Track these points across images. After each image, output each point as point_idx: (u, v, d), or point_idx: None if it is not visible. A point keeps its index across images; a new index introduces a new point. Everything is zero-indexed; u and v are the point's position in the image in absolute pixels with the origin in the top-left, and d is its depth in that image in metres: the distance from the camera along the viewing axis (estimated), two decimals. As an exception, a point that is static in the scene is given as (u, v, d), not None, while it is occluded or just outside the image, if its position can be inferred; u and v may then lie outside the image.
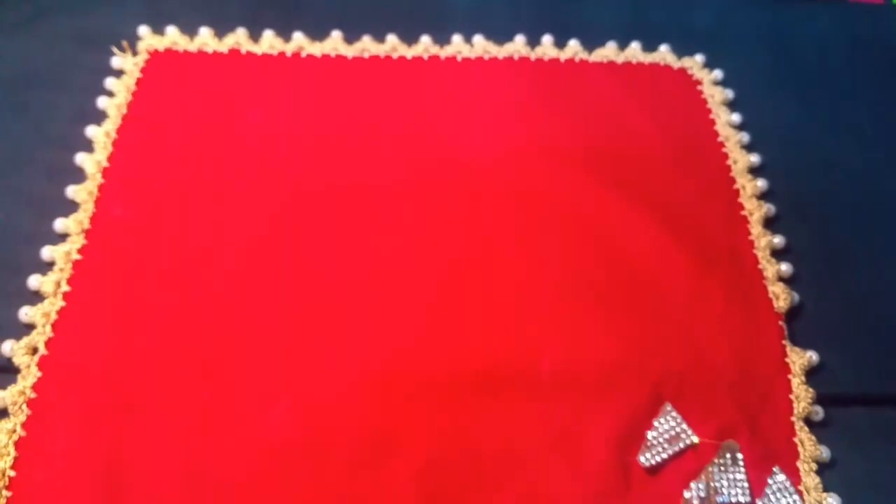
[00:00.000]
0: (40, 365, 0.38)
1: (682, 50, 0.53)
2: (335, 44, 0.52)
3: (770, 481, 0.37)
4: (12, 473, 0.35)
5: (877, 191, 0.48)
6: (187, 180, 0.45)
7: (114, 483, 0.35)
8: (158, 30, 0.51)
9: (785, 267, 0.43)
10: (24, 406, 0.37)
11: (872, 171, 0.49)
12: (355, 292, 0.41)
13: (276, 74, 0.50)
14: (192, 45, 0.51)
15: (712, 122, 0.50)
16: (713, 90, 0.51)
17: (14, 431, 0.36)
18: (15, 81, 0.48)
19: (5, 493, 0.35)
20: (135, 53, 0.50)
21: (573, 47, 0.53)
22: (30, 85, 0.48)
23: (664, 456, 0.37)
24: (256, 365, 0.38)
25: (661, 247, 0.43)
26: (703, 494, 0.36)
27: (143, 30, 0.51)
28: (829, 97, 0.53)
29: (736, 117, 0.50)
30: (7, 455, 0.35)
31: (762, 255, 0.44)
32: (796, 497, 0.36)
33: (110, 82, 0.49)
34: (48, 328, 0.39)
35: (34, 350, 0.38)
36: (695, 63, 0.53)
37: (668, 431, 0.37)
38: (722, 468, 0.36)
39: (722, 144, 0.49)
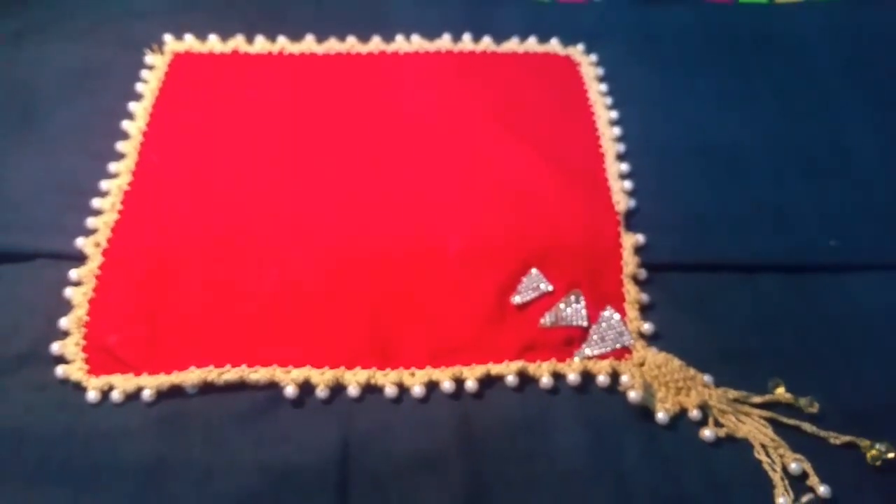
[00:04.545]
0: (103, 254, 0.54)
1: (568, 42, 0.70)
2: (309, 44, 0.68)
3: (603, 313, 0.53)
4: (86, 318, 0.51)
5: (708, 137, 0.63)
6: (203, 138, 0.62)
7: (155, 326, 0.51)
8: (179, 37, 0.68)
9: (627, 184, 0.60)
10: (93, 279, 0.53)
11: (707, 122, 0.64)
12: (324, 202, 0.58)
13: (267, 67, 0.67)
14: (203, 48, 0.68)
15: (585, 91, 0.66)
16: (588, 69, 0.68)
17: (86, 294, 0.52)
18: (77, 72, 0.64)
19: (83, 329, 0.51)
20: (162, 53, 0.67)
21: (486, 42, 0.69)
22: (87, 75, 0.64)
23: (528, 298, 0.53)
24: (255, 247, 0.55)
25: (538, 170, 0.60)
26: (552, 320, 0.52)
27: (168, 37, 0.68)
28: (682, 73, 0.68)
29: (604, 87, 0.66)
30: (83, 307, 0.52)
31: (611, 176, 0.60)
32: (621, 323, 0.53)
33: (145, 73, 0.65)
34: (107, 231, 0.55)
35: (97, 244, 0.54)
36: (576, 51, 0.70)
37: (532, 283, 0.54)
38: (567, 305, 0.53)
39: (591, 106, 0.65)
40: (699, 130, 0.65)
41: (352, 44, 0.69)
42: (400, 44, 0.70)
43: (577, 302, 0.53)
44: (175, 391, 0.49)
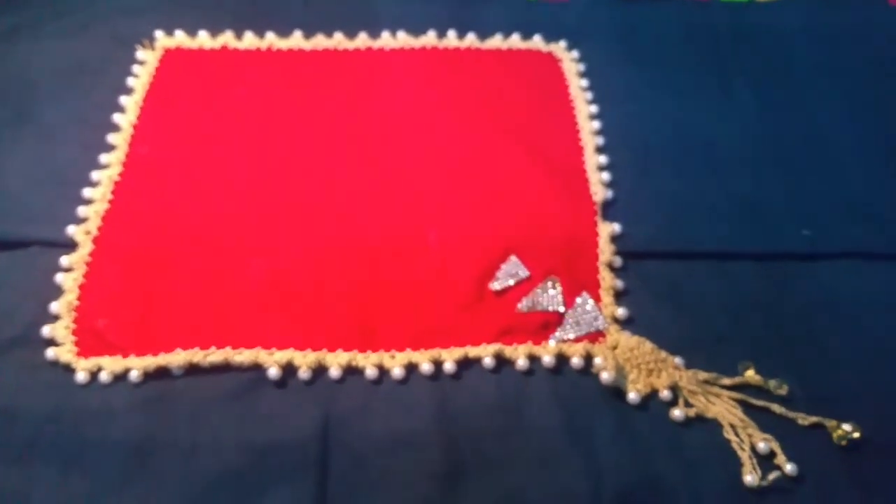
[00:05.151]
0: (93, 241, 0.56)
1: (550, 39, 0.72)
2: (297, 40, 0.70)
3: (578, 299, 0.55)
4: (77, 303, 0.53)
5: (685, 131, 0.65)
6: (191, 131, 0.63)
7: (143, 310, 0.53)
8: (170, 33, 0.70)
9: (605, 175, 0.61)
10: (83, 265, 0.55)
11: (685, 116, 0.66)
12: (309, 192, 0.59)
13: (255, 63, 0.69)
14: (193, 44, 0.69)
15: (567, 87, 0.68)
16: (570, 65, 0.70)
17: (77, 280, 0.54)
18: (70, 67, 0.66)
19: (73, 313, 0.53)
20: (153, 49, 0.69)
21: (470, 38, 0.71)
22: (81, 70, 0.66)
23: (507, 284, 0.55)
24: (241, 238, 0.57)
25: (518, 161, 0.62)
26: (530, 305, 0.54)
27: (159, 33, 0.70)
28: (661, 69, 0.70)
29: (584, 82, 0.68)
30: (73, 292, 0.53)
31: (590, 168, 0.62)
32: (595, 308, 0.54)
33: (136, 69, 0.67)
34: (98, 219, 0.57)
35: (88, 232, 0.56)
36: (558, 47, 0.71)
37: (510, 270, 0.55)
38: (544, 290, 0.54)
39: (572, 101, 0.67)
40: (677, 124, 0.66)
41: (339, 40, 0.71)
42: (386, 40, 0.71)
43: (554, 288, 0.55)
44: (161, 372, 0.50)
